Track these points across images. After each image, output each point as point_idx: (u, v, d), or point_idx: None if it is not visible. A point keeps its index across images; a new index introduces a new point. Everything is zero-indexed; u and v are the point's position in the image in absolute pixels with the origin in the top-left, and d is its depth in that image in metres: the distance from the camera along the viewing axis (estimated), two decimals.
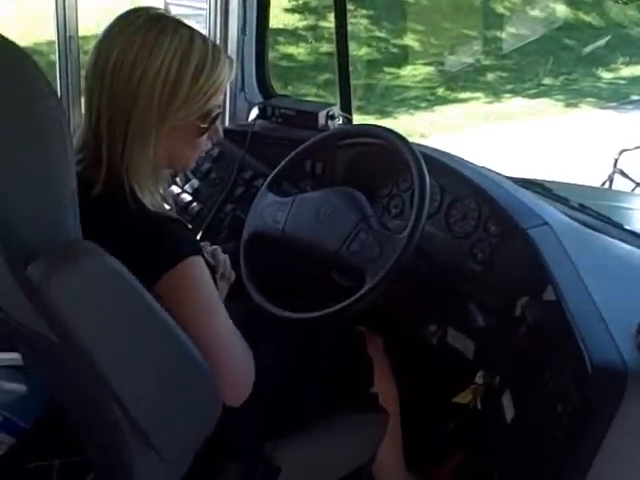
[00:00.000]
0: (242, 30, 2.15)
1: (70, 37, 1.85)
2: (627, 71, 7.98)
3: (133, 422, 1.18)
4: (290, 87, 6.68)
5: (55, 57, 1.89)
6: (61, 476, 1.53)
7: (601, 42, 7.56)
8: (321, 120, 2.09)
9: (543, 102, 7.05)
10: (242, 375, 1.30)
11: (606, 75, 8.02)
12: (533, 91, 7.42)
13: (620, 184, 3.73)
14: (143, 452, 1.25)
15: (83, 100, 1.28)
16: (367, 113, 6.53)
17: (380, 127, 1.67)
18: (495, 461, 1.47)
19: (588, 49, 7.65)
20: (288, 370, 1.54)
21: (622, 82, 7.85)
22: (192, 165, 1.35)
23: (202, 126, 1.29)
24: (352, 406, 1.64)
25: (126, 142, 1.22)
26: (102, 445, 1.42)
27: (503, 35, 8.03)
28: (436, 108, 6.89)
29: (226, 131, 2.18)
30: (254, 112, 2.18)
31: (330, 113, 2.12)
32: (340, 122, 2.16)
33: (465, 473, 1.95)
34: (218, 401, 1.30)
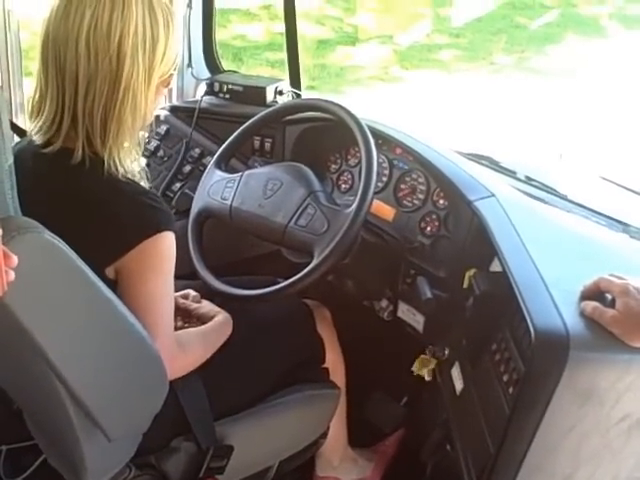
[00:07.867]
0: (188, 3, 2.10)
1: (9, 11, 1.80)
2: (577, 48, 8.09)
3: (78, 402, 1.16)
4: (244, 67, 6.62)
5: None
6: (8, 462, 1.50)
7: (548, 18, 7.66)
8: (269, 96, 2.07)
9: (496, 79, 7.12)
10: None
11: (557, 52, 8.12)
12: (486, 69, 7.48)
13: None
14: (90, 433, 1.23)
15: (38, 68, 1.23)
16: (321, 92, 6.50)
17: (328, 101, 1.65)
18: (446, 433, 1.48)
19: (535, 25, 7.75)
20: (239, 348, 1.52)
21: (572, 58, 7.95)
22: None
23: (168, 77, 1.28)
24: (304, 382, 1.64)
25: (115, 106, 1.20)
26: (49, 428, 1.39)
27: (454, 13, 8.07)
28: (390, 86, 6.90)
29: (173, 108, 2.15)
30: (202, 88, 2.14)
31: (278, 89, 2.09)
32: (289, 98, 2.13)
33: (409, 447, 1.97)
34: (165, 380, 1.29)
